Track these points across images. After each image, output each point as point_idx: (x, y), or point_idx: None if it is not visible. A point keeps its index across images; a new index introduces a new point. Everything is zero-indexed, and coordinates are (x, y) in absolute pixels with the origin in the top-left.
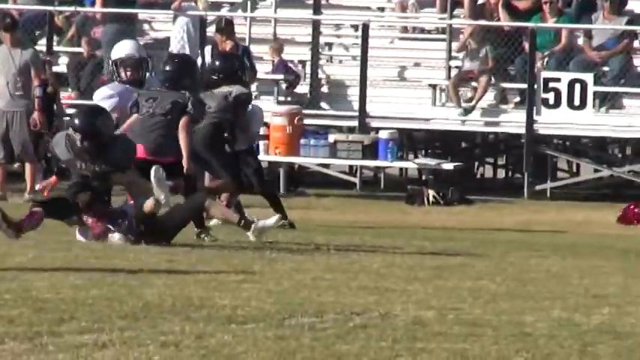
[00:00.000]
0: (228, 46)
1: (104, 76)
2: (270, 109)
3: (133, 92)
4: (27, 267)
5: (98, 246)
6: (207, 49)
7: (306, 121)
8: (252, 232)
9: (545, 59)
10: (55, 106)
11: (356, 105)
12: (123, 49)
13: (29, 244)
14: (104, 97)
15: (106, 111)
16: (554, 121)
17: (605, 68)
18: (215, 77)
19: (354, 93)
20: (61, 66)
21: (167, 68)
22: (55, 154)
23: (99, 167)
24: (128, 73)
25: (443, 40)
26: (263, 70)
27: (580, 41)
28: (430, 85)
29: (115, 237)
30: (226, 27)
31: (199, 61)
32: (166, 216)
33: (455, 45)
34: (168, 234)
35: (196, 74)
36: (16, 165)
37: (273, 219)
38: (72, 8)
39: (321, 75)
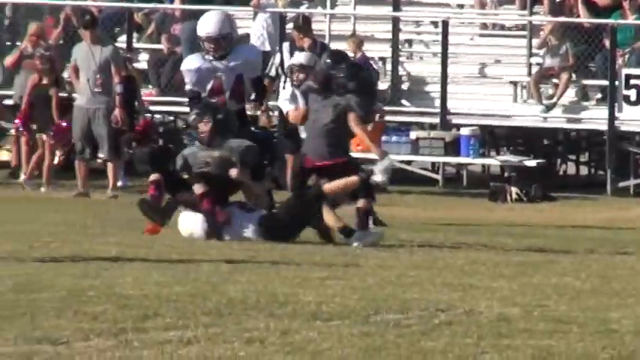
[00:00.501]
0: (306, 43)
1: None
2: None
3: (214, 72)
4: (110, 264)
5: (180, 242)
6: (286, 45)
7: (388, 118)
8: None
9: (626, 56)
10: (135, 103)
11: (437, 102)
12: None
13: (111, 241)
14: (188, 68)
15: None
16: (636, 118)
17: None
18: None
19: (435, 90)
20: (141, 63)
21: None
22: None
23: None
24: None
25: (523, 36)
26: None
27: None
28: (511, 81)
29: (249, 232)
30: (304, 24)
31: (278, 57)
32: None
33: (535, 42)
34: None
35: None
36: (99, 162)
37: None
38: (151, 5)
39: (401, 72)
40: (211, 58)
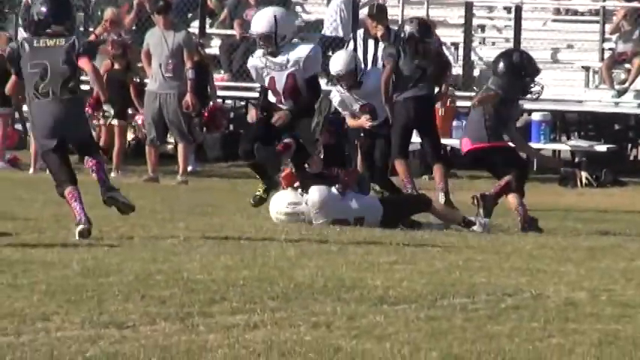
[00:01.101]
0: (379, 32)
1: None
2: None
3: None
4: (178, 249)
5: (249, 227)
6: (360, 33)
7: (459, 104)
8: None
9: None
10: (208, 89)
11: None
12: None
13: (180, 226)
14: (249, 65)
15: None
16: None
17: None
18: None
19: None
20: (214, 48)
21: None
22: None
23: None
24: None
25: (596, 22)
26: None
27: None
28: (583, 67)
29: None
30: (378, 13)
31: (352, 44)
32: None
33: (608, 27)
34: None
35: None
36: (169, 147)
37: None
38: None
39: (473, 57)
40: (267, 54)
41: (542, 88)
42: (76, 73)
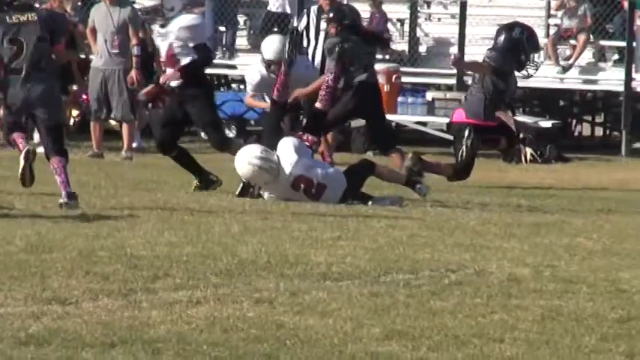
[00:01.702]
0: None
1: None
2: None
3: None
4: (122, 224)
5: (193, 204)
6: (313, 9)
7: (404, 79)
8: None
9: None
10: (153, 66)
11: None
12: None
13: (124, 202)
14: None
15: None
16: None
17: None
18: None
19: (452, 51)
20: None
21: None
22: None
23: None
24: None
25: None
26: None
27: None
28: None
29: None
30: None
31: (304, 21)
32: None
33: (553, 3)
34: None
35: None
36: (114, 123)
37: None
38: None
39: (419, 33)
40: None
41: (538, 67)
42: (50, 52)
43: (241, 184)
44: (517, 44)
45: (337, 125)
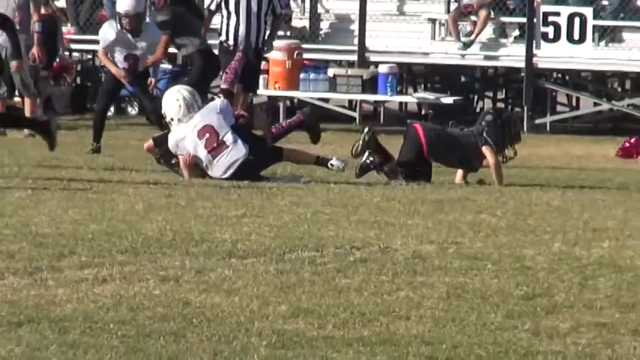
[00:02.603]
0: None
1: (104, 12)
2: None
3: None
4: (26, 202)
5: (97, 182)
6: None
7: (306, 56)
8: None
9: None
10: (57, 42)
11: (355, 39)
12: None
13: (28, 179)
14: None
15: None
16: (554, 55)
17: (605, 2)
18: None
19: (353, 27)
20: (61, 1)
21: None
22: None
23: None
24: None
25: None
26: None
27: None
28: (429, 19)
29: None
30: None
31: None
32: None
33: None
34: None
35: None
36: (17, 99)
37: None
38: None
39: (320, 9)
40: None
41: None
42: None
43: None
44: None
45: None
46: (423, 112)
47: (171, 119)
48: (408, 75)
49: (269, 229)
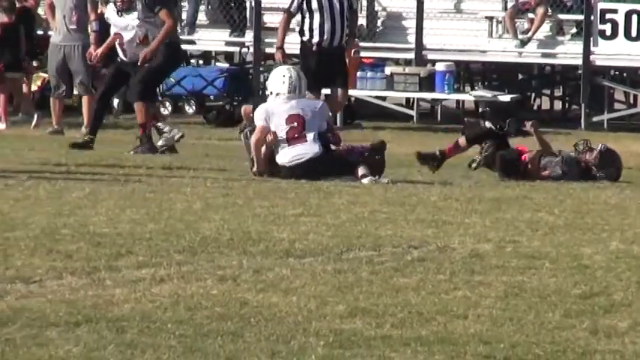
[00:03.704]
0: None
1: None
2: None
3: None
4: (84, 202)
5: (155, 180)
6: None
7: (363, 54)
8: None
9: None
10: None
11: (412, 37)
12: None
13: (86, 179)
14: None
15: None
16: (611, 53)
17: None
18: None
19: (410, 25)
20: None
21: None
22: None
23: None
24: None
25: None
26: None
27: None
28: (487, 16)
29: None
30: None
31: None
32: None
33: None
34: None
35: None
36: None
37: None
38: None
39: (377, 7)
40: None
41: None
42: None
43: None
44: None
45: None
46: (480, 109)
47: (271, 92)
48: (465, 73)
49: (326, 228)
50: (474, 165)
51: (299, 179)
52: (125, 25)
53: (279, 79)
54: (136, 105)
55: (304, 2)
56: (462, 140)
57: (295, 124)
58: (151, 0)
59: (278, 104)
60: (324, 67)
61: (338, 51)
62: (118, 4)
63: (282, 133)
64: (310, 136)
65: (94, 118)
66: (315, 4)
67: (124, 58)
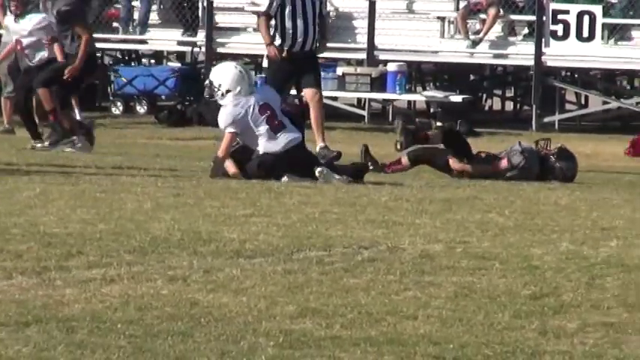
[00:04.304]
0: None
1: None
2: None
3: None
4: (34, 202)
5: (105, 180)
6: None
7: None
8: None
9: None
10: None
11: (364, 37)
12: None
13: (36, 178)
14: None
15: None
16: (563, 53)
17: (614, 0)
18: None
19: (362, 25)
20: None
21: None
22: None
23: None
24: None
25: None
26: None
27: None
28: (438, 17)
29: None
30: None
31: None
32: None
33: None
34: None
35: None
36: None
37: None
38: None
39: (329, 7)
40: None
41: None
42: None
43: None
44: None
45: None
46: (431, 110)
47: (228, 90)
48: (417, 73)
49: (277, 229)
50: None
51: (294, 167)
52: (21, 30)
53: (235, 75)
54: (40, 92)
55: (279, 7)
56: (405, 159)
57: (269, 112)
58: (64, 16)
59: (242, 102)
60: (295, 71)
61: (309, 54)
62: (13, 9)
63: (263, 125)
64: (286, 121)
65: (27, 127)
66: (288, 9)
67: (29, 64)
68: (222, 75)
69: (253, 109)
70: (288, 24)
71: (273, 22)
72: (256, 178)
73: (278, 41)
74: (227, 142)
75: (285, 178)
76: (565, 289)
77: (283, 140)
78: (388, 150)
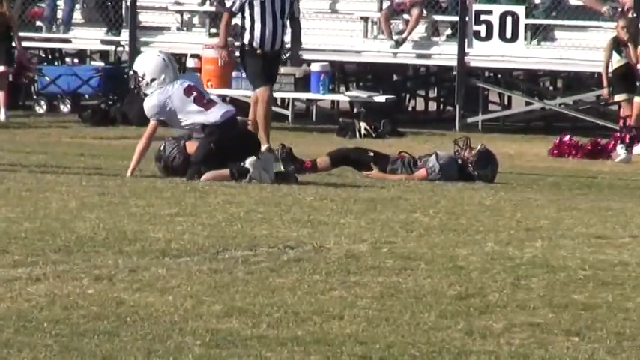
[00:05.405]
0: None
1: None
2: (202, 42)
3: None
4: None
5: (30, 179)
6: None
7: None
8: None
9: None
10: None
11: (287, 37)
12: None
13: None
14: None
15: None
16: (486, 54)
17: (537, 1)
18: None
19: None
20: None
21: None
22: None
23: None
24: None
25: None
26: (195, 1)
27: None
28: (362, 17)
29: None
30: None
31: None
32: None
33: None
34: None
35: None
36: None
37: None
38: None
39: None
40: None
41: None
42: None
43: None
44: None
45: None
46: (355, 110)
47: (153, 78)
48: (341, 73)
49: (202, 228)
50: None
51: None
52: None
53: (159, 63)
54: None
55: (247, 6)
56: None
57: (195, 93)
58: None
59: (167, 89)
60: (267, 66)
61: (277, 53)
62: None
63: (192, 105)
64: (214, 97)
65: None
66: (256, 9)
67: None
68: (146, 64)
69: (179, 92)
70: (257, 25)
71: (241, 21)
72: (210, 160)
73: (247, 39)
74: (150, 130)
75: (248, 165)
76: (491, 290)
77: (218, 111)
78: (311, 150)
